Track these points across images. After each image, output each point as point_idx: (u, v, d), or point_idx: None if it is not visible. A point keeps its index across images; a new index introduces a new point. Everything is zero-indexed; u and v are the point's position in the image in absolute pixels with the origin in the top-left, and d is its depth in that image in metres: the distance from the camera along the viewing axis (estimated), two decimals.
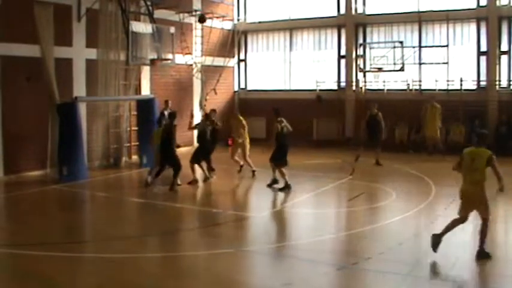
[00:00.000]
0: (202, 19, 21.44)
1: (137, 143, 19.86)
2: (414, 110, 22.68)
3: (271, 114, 24.87)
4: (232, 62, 26.75)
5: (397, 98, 23.02)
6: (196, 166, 15.66)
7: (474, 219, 12.18)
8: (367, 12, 24.30)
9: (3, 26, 15.95)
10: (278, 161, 15.02)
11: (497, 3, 21.61)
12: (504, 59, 21.79)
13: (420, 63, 23.05)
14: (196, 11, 23.08)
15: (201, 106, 24.20)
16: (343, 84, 24.70)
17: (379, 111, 19.31)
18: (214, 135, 16.77)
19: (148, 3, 19.00)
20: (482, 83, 22.03)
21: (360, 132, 21.14)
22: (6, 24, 15.99)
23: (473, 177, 9.12)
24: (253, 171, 16.75)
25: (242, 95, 27.13)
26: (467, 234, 10.82)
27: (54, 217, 12.74)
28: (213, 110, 17.73)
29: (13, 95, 16.32)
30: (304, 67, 25.93)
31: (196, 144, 16.93)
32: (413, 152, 21.76)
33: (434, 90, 22.54)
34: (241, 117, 17.56)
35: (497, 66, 21.77)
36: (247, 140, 17.13)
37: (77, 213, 13.31)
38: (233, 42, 26.29)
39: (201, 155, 15.85)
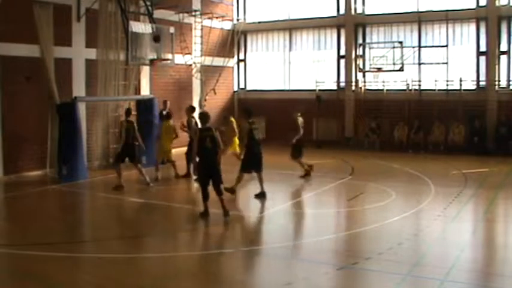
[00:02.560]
0: (157, 38, 18.83)
1: (136, 143, 19.83)
2: (414, 110, 22.76)
3: (271, 115, 25.16)
4: (232, 62, 26.76)
5: (397, 98, 23.06)
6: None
7: (474, 219, 12.23)
8: (366, 12, 24.33)
9: (3, 25, 15.94)
10: (247, 169, 14.15)
11: (497, 3, 21.65)
12: (503, 59, 21.84)
13: (420, 63, 23.10)
14: (196, 10, 23.12)
15: (201, 106, 24.23)
16: (342, 84, 24.72)
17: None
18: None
19: (148, 3, 19.00)
20: (482, 83, 22.06)
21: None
22: (6, 24, 15.97)
23: None
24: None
25: (241, 95, 27.13)
26: (466, 234, 10.84)
27: (53, 217, 12.73)
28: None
29: (13, 95, 16.31)
30: (303, 67, 25.96)
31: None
32: (412, 152, 21.80)
33: (434, 90, 22.59)
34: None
35: (497, 66, 21.82)
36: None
37: (76, 213, 13.31)
38: (232, 42, 26.31)
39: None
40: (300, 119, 17.04)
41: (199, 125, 12.66)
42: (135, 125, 15.69)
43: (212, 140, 11.72)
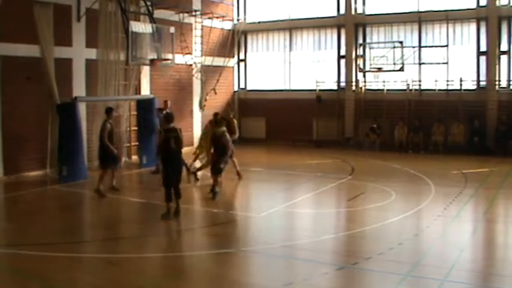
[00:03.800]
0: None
1: (137, 143, 19.86)
2: (414, 110, 22.76)
3: (271, 115, 25.18)
4: (232, 62, 26.76)
5: (397, 98, 23.06)
6: None
7: (474, 219, 12.23)
8: (366, 12, 24.32)
9: (3, 26, 15.95)
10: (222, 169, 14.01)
11: (497, 3, 21.64)
12: (504, 59, 21.82)
13: (420, 63, 23.09)
14: (196, 10, 23.13)
15: (201, 106, 24.26)
16: (343, 84, 24.71)
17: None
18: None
19: (148, 3, 19.00)
20: (482, 83, 22.06)
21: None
22: (6, 24, 15.99)
23: None
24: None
25: (242, 95, 27.14)
26: (466, 235, 10.84)
27: (54, 217, 12.73)
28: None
29: (13, 95, 16.31)
30: (304, 67, 25.94)
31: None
32: (412, 152, 21.81)
33: (434, 90, 22.59)
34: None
35: (497, 66, 21.80)
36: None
37: (76, 213, 13.30)
38: (233, 42, 26.30)
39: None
40: (235, 121, 16.63)
41: (164, 125, 12.39)
42: (104, 125, 14.51)
43: (176, 141, 11.81)
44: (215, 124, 14.49)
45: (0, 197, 14.58)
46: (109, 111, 14.86)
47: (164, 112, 18.03)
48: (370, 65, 23.70)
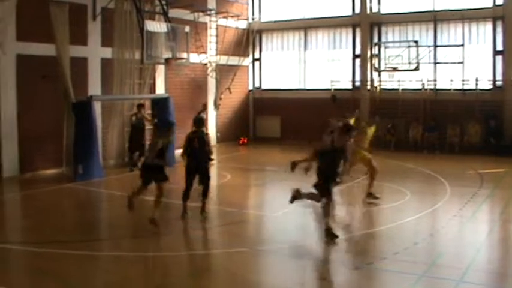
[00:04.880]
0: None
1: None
2: (429, 109, 22.64)
3: (286, 114, 25.10)
4: (247, 61, 26.75)
5: (412, 97, 22.95)
6: None
7: (490, 219, 12.14)
8: (382, 12, 24.20)
9: (19, 25, 16.07)
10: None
11: None
12: None
13: (435, 63, 22.94)
14: (211, 10, 23.17)
15: (216, 105, 24.30)
16: (358, 83, 24.64)
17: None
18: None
19: (163, 2, 19.06)
20: (498, 83, 21.89)
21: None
22: (22, 23, 16.11)
23: None
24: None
25: (257, 94, 27.12)
26: (482, 235, 10.77)
27: (69, 215, 12.81)
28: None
29: (29, 93, 16.44)
30: (319, 66, 25.88)
31: None
32: (427, 152, 21.69)
33: (450, 90, 22.45)
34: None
35: None
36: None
37: (92, 211, 13.37)
38: (248, 41, 26.29)
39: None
40: (367, 129, 14.37)
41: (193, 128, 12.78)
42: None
43: (200, 141, 11.78)
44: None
45: (16, 195, 14.70)
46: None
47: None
48: (385, 64, 23.58)
